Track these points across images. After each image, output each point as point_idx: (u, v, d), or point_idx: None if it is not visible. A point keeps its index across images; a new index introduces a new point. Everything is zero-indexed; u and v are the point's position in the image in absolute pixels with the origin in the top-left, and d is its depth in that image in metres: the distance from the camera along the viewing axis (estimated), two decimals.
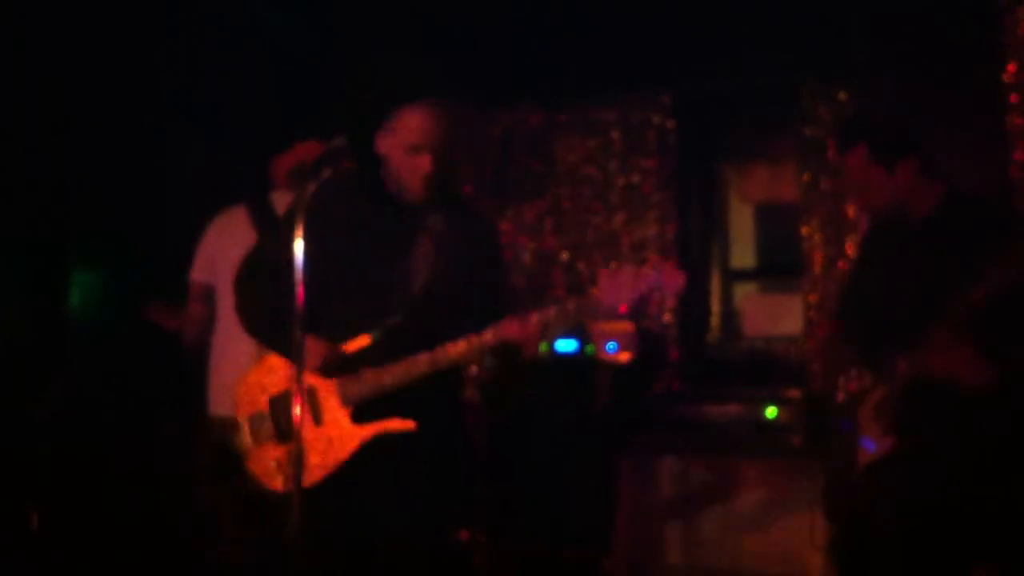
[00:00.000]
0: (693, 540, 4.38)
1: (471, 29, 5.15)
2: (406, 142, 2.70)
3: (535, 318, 2.61)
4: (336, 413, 2.71)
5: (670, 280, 2.55)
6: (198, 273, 3.78)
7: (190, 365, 3.85)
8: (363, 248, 2.79)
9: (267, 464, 2.77)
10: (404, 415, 2.68)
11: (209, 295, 3.76)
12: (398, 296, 2.75)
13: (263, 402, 2.83)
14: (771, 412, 4.53)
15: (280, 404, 2.79)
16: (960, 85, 4.19)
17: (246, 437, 2.84)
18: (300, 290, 2.37)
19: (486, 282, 2.82)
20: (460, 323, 2.69)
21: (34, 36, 4.38)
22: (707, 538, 4.36)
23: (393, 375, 2.67)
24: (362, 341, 2.72)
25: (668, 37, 5.15)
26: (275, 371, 2.83)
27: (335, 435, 2.70)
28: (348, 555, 2.75)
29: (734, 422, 4.60)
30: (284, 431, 2.76)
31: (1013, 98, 4.03)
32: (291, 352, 2.41)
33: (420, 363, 2.65)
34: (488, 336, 2.63)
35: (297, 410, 2.38)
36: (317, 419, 2.72)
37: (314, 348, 2.68)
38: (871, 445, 3.00)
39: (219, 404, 3.64)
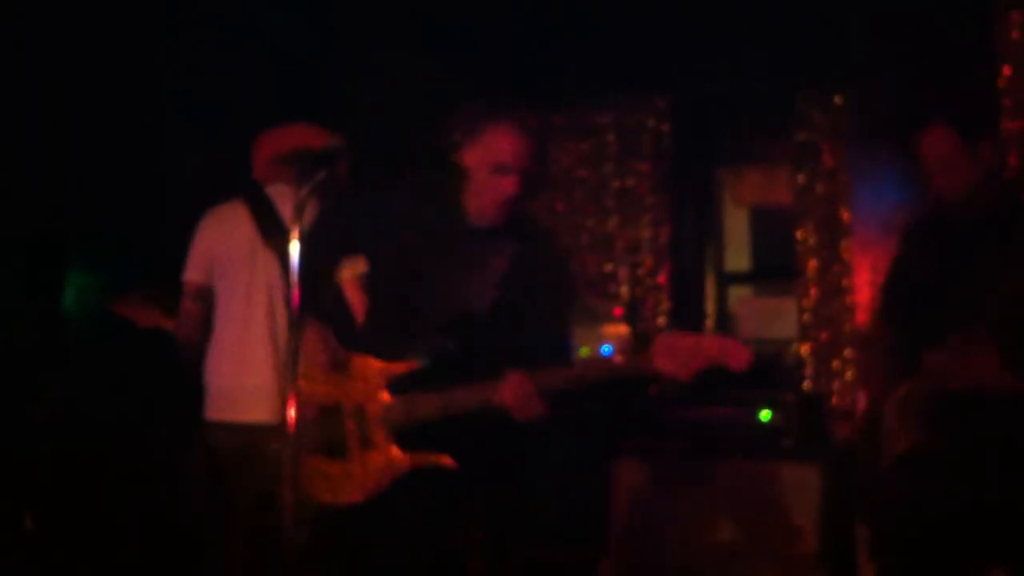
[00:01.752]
0: (688, 542, 4.38)
1: (467, 31, 5.15)
2: (493, 160, 2.60)
3: (530, 384, 2.48)
4: (382, 438, 2.63)
5: (735, 357, 2.42)
6: (194, 274, 3.59)
7: (185, 367, 3.76)
8: (431, 265, 2.70)
9: (313, 474, 2.68)
10: (449, 448, 2.58)
11: (205, 295, 3.58)
12: (459, 321, 2.66)
13: (310, 412, 2.71)
14: (765, 415, 4.54)
15: (331, 416, 2.69)
16: (955, 89, 4.21)
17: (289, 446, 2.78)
18: (297, 293, 2.34)
19: (552, 316, 2.71)
20: (520, 357, 2.57)
21: (31, 36, 4.37)
22: (702, 540, 4.36)
23: (428, 405, 2.59)
24: (410, 364, 2.63)
25: (664, 41, 5.16)
26: (324, 382, 2.73)
27: (381, 462, 2.62)
28: (346, 556, 2.74)
29: (728, 424, 4.60)
30: (331, 445, 2.68)
31: (1007, 102, 4.05)
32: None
33: (458, 398, 2.56)
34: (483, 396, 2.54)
35: (292, 412, 2.35)
36: (365, 443, 2.64)
37: (362, 365, 2.64)
38: None
39: (216, 409, 3.52)
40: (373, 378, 2.64)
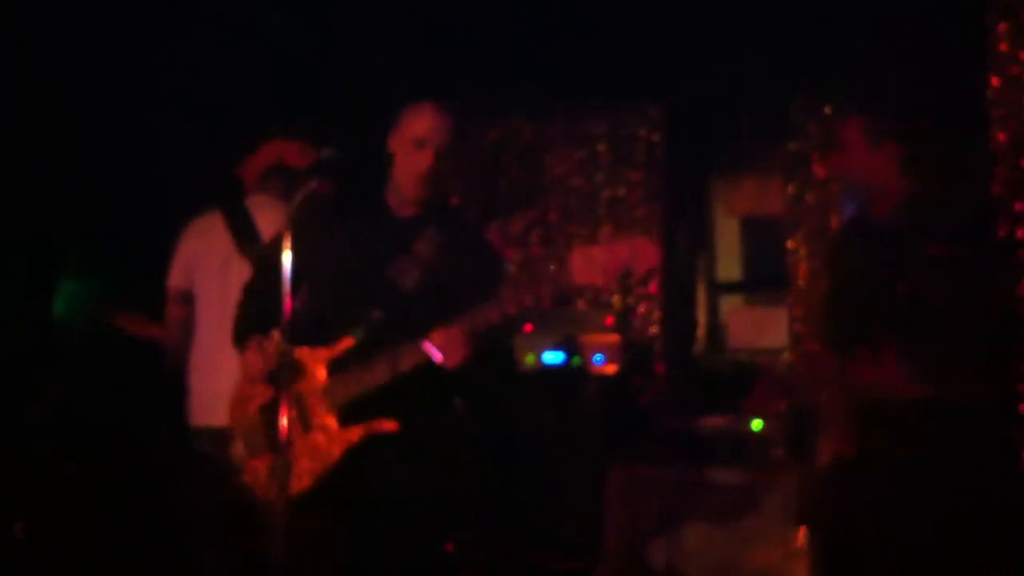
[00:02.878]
0: (679, 551, 4.39)
1: (462, 39, 5.17)
2: (411, 136, 2.75)
3: (456, 330, 2.58)
4: (324, 418, 2.71)
5: (644, 256, 2.55)
6: (176, 278, 3.73)
7: (171, 373, 3.81)
8: (356, 254, 2.81)
9: (261, 475, 2.76)
10: (392, 416, 2.66)
11: (187, 299, 3.71)
12: (386, 295, 2.75)
13: (254, 412, 2.82)
14: (756, 424, 4.55)
15: (270, 413, 2.77)
16: (944, 99, 4.24)
17: (239, 449, 2.83)
18: (288, 302, 2.38)
19: (478, 294, 2.77)
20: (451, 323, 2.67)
21: (31, 39, 4.38)
22: (693, 549, 4.37)
23: (373, 373, 2.66)
24: (347, 342, 2.72)
25: (657, 50, 5.18)
26: (259, 382, 2.81)
27: (323, 440, 2.70)
28: (337, 566, 2.75)
29: (719, 434, 4.61)
30: (275, 441, 2.76)
31: (996, 113, 4.07)
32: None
33: (404, 357, 2.64)
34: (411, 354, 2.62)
35: (284, 420, 2.38)
36: (306, 425, 2.71)
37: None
38: None
39: (201, 414, 3.61)
40: (309, 364, 2.72)
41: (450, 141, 2.76)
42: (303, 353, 2.72)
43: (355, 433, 2.68)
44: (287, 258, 2.41)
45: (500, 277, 2.90)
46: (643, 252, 2.54)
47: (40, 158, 4.48)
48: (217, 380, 3.38)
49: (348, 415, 2.70)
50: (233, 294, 3.50)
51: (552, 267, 2.46)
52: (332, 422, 2.70)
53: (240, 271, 3.48)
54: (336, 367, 2.72)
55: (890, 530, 2.92)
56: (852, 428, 2.95)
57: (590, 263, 2.54)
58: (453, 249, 2.81)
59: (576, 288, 2.60)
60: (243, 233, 3.59)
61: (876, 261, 3.05)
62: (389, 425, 2.66)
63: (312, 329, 2.71)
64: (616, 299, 5.52)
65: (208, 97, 4.88)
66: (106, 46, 4.57)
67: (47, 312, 4.68)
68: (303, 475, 2.66)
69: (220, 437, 3.04)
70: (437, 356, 2.60)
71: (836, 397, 3.00)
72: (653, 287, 5.50)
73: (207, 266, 3.63)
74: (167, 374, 3.81)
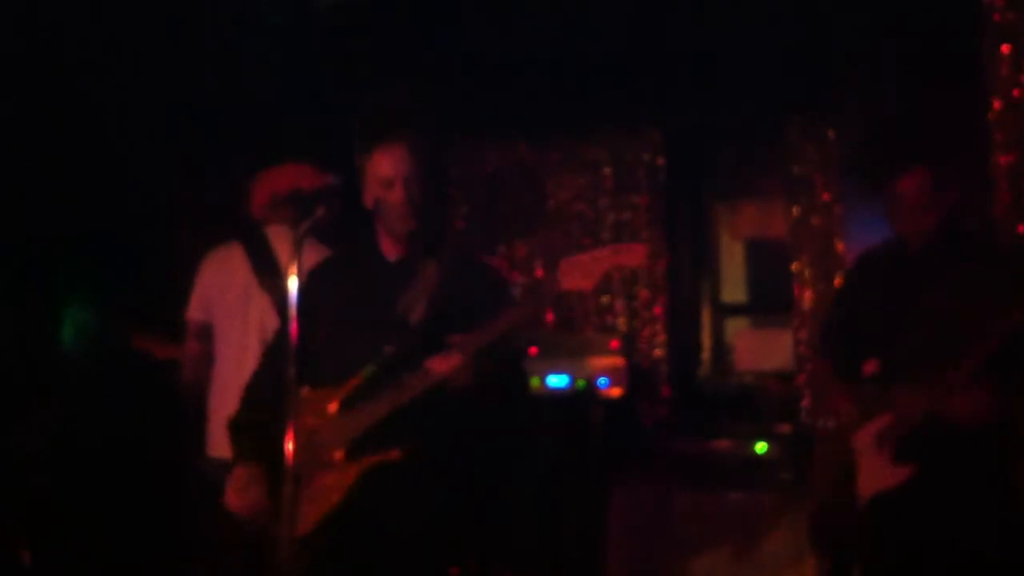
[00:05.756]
0: (683, 573, 4.38)
1: (464, 67, 5.20)
2: (379, 178, 2.76)
3: (456, 355, 2.59)
4: (334, 454, 2.71)
5: (629, 257, 2.59)
6: (195, 311, 3.66)
7: (187, 404, 3.80)
8: (360, 299, 2.82)
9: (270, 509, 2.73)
10: (399, 443, 2.65)
11: (206, 333, 3.66)
12: (395, 330, 2.75)
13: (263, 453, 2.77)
14: (761, 447, 4.55)
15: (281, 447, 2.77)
16: (945, 123, 4.25)
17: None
18: (294, 327, 2.39)
19: (487, 310, 2.76)
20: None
21: (46, 63, 4.41)
22: (697, 571, 4.36)
23: (382, 403, 2.66)
24: (357, 379, 2.72)
25: (658, 75, 5.21)
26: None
27: (332, 477, 2.69)
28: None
29: (724, 456, 4.61)
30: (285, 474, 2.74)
31: (997, 136, 4.07)
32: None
33: (411, 381, 2.64)
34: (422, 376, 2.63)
35: (290, 450, 2.38)
36: (320, 466, 2.69)
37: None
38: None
39: (218, 447, 3.50)
40: (320, 404, 2.72)
41: (417, 172, 2.76)
42: (315, 394, 2.73)
43: (362, 465, 2.67)
44: (293, 286, 2.41)
45: (506, 298, 2.90)
46: (627, 252, 2.58)
47: (34, 186, 4.49)
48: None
49: (355, 448, 2.69)
50: (253, 327, 3.51)
51: (542, 280, 2.48)
52: (340, 458, 2.70)
53: (261, 303, 3.49)
54: (347, 404, 2.72)
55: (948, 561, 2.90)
56: (915, 450, 2.91)
57: (576, 268, 2.57)
58: (456, 277, 2.82)
59: (565, 295, 2.62)
60: (263, 265, 3.53)
61: (902, 286, 3.05)
62: (393, 454, 2.67)
63: (328, 369, 2.73)
64: (621, 322, 5.53)
65: (209, 121, 4.90)
66: (117, 59, 4.59)
67: (44, 340, 4.68)
68: (313, 514, 2.65)
69: None
70: (442, 369, 2.59)
71: (893, 426, 2.97)
72: (658, 309, 5.52)
73: (226, 299, 3.56)
74: (183, 404, 3.80)
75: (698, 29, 4.92)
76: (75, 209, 4.65)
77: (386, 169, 2.76)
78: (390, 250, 2.85)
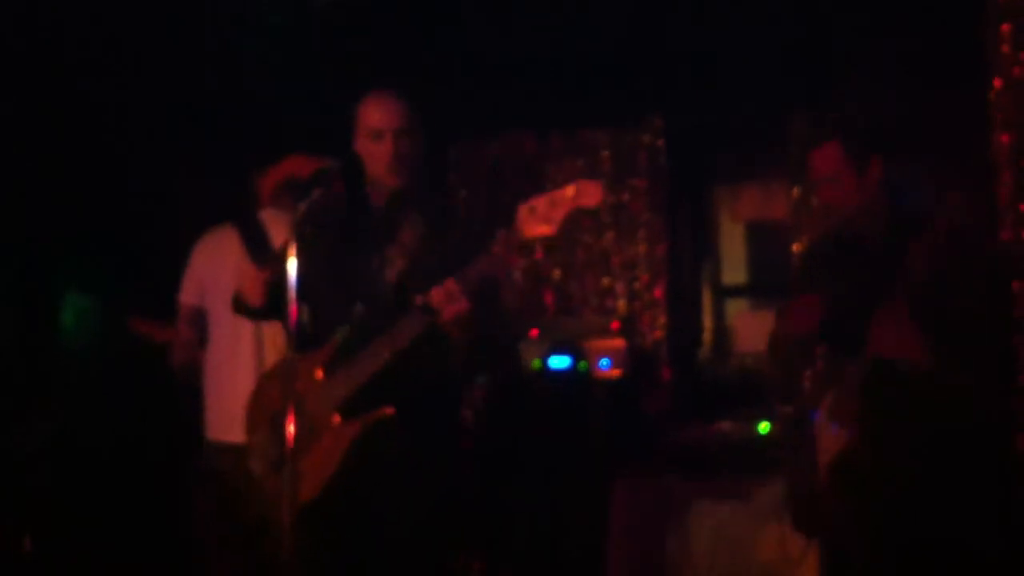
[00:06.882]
0: (686, 558, 4.38)
1: (464, 55, 5.19)
2: (367, 130, 2.77)
3: (450, 283, 2.56)
4: (326, 419, 2.69)
5: (586, 197, 2.51)
6: (187, 295, 3.70)
7: (180, 389, 3.80)
8: (348, 254, 2.83)
9: (274, 486, 2.71)
10: (393, 401, 2.64)
11: (199, 318, 3.69)
12: (369, 290, 2.76)
13: (266, 424, 2.79)
14: (764, 428, 4.55)
15: (279, 423, 2.76)
16: (946, 105, 4.24)
17: (258, 463, 2.80)
18: (294, 310, 2.38)
19: (469, 260, 2.74)
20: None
21: (42, 53, 4.40)
22: (701, 556, 4.36)
23: (373, 357, 2.65)
24: (334, 342, 2.72)
25: (658, 67, 5.20)
26: (272, 389, 2.80)
27: (329, 442, 2.67)
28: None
29: (727, 438, 4.61)
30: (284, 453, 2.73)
31: (998, 115, 4.05)
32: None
33: (401, 330, 2.62)
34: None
35: (291, 429, 2.37)
36: (313, 432, 2.68)
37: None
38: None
39: (217, 429, 3.59)
40: (306, 369, 2.70)
41: (407, 124, 2.77)
42: (295, 362, 2.67)
43: (354, 428, 2.66)
44: (292, 267, 2.40)
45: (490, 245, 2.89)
46: (585, 190, 2.50)
47: (33, 178, 4.49)
48: (232, 397, 3.37)
49: (349, 410, 2.68)
50: None
51: (501, 231, 2.42)
52: (335, 421, 2.68)
53: None
54: (330, 367, 2.71)
55: (888, 532, 2.92)
56: (863, 409, 2.93)
57: (534, 215, 2.52)
58: (438, 230, 2.81)
59: (528, 241, 2.56)
60: (257, 248, 3.55)
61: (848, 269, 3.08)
62: (388, 411, 2.64)
63: (310, 336, 2.71)
64: (621, 304, 5.53)
65: (208, 113, 4.89)
66: (118, 59, 4.59)
67: (47, 331, 4.68)
68: (312, 481, 2.64)
69: (236, 453, 3.04)
70: (436, 306, 2.56)
71: (848, 380, 2.99)
72: (658, 292, 5.51)
73: (220, 283, 3.58)
74: (177, 388, 3.81)
75: (698, 25, 4.92)
76: (75, 209, 4.65)
77: (376, 119, 2.75)
78: (377, 199, 2.83)
